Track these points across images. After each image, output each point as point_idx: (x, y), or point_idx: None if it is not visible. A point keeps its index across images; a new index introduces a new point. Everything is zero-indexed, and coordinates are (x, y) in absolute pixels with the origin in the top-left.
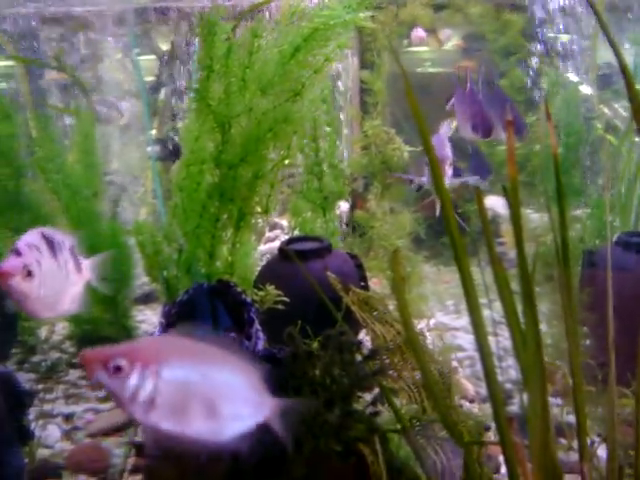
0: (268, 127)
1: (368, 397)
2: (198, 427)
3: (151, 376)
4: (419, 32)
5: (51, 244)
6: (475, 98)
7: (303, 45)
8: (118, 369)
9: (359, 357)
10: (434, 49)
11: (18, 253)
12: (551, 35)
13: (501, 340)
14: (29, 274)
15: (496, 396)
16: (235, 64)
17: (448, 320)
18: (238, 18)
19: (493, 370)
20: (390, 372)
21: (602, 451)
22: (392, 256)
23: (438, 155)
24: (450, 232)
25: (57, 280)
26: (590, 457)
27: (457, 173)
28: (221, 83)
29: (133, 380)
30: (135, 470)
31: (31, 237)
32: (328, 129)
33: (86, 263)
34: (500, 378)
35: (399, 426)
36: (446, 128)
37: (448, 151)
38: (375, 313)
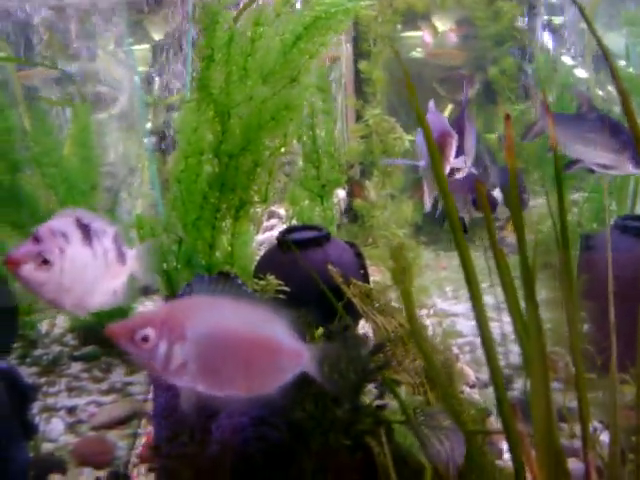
0: (270, 115)
1: (370, 387)
2: (235, 385)
3: (179, 340)
4: (426, 37)
5: (86, 231)
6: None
7: (304, 33)
8: (145, 339)
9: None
10: (428, 34)
11: (36, 239)
12: (544, 18)
13: (499, 325)
14: (45, 262)
15: (499, 384)
16: (237, 52)
17: (447, 306)
18: (241, 9)
19: (495, 358)
20: (393, 363)
21: (604, 436)
22: (395, 250)
23: (441, 133)
24: (450, 218)
25: (90, 270)
26: (593, 444)
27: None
28: (222, 72)
29: (162, 348)
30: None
31: (59, 222)
32: (325, 117)
33: (131, 253)
34: (503, 363)
35: (404, 417)
36: (432, 105)
37: (448, 127)
38: (377, 305)
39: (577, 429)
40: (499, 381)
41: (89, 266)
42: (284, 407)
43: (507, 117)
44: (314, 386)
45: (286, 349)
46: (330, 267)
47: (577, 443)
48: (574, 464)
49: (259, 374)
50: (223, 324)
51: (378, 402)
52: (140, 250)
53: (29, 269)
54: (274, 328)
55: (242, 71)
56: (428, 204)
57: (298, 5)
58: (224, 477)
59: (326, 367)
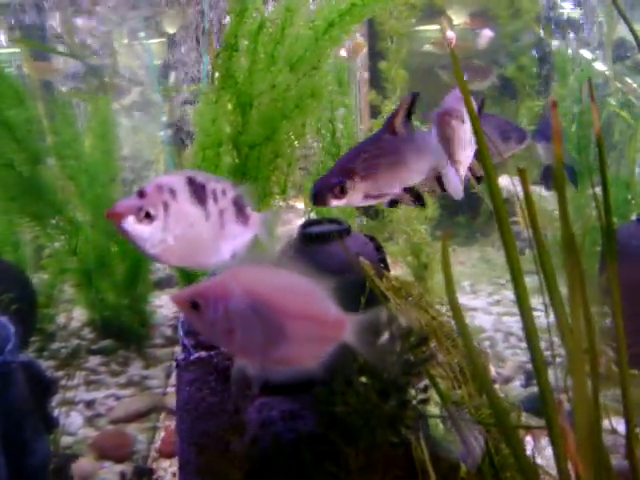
0: (294, 103)
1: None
2: (278, 355)
3: (228, 309)
4: (450, 34)
5: (198, 189)
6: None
7: (337, 21)
8: (196, 306)
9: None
10: (443, 28)
11: (142, 194)
12: (562, 11)
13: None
14: (147, 216)
15: (543, 379)
16: (266, 40)
17: (465, 301)
18: None
19: (539, 351)
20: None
21: None
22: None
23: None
24: (497, 211)
25: (200, 228)
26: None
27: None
28: (247, 60)
29: (209, 315)
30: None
31: (169, 179)
32: (345, 110)
33: (255, 216)
34: (524, 358)
35: (444, 412)
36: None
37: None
38: (410, 299)
39: (618, 426)
40: (543, 376)
41: (198, 224)
42: (326, 401)
43: (554, 104)
44: (357, 379)
45: (328, 319)
46: (362, 259)
47: (619, 439)
48: (616, 461)
49: (302, 344)
50: (268, 293)
51: (421, 396)
52: (267, 215)
53: (131, 223)
54: (316, 298)
55: (270, 59)
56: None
57: None
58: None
59: (367, 338)
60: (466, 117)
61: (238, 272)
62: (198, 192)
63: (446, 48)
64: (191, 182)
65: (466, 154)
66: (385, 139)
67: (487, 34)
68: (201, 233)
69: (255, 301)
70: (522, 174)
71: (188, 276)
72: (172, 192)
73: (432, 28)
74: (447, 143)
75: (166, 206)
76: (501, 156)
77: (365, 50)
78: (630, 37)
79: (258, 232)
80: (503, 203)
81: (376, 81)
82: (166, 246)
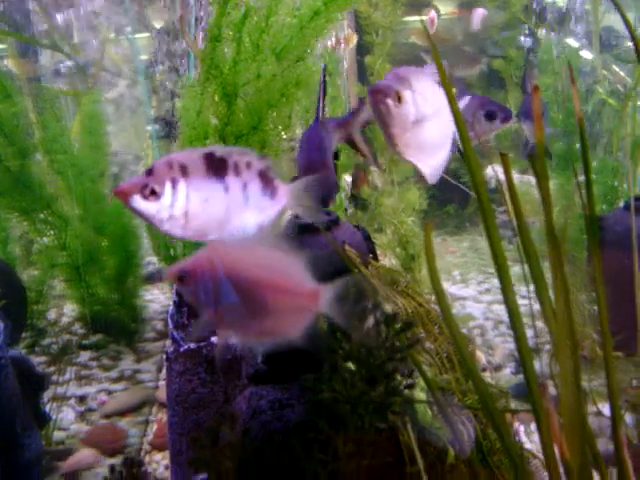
0: (280, 92)
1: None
2: (258, 326)
3: (209, 282)
4: (431, 14)
5: (218, 163)
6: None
7: (323, 9)
8: (182, 280)
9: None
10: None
11: (150, 172)
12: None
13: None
14: (153, 193)
15: (527, 363)
16: (250, 29)
17: (456, 290)
18: None
19: (524, 337)
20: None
21: (627, 417)
22: (425, 229)
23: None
24: (480, 200)
25: (217, 203)
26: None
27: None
28: (232, 50)
29: (196, 287)
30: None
31: (182, 155)
32: (333, 101)
33: (284, 188)
34: (514, 346)
35: (430, 397)
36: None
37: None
38: (395, 286)
39: (603, 409)
40: (528, 360)
41: (215, 198)
42: (313, 388)
43: (536, 89)
44: (343, 366)
45: (303, 290)
46: (348, 248)
47: (604, 422)
48: (601, 444)
49: (280, 314)
50: (247, 267)
51: (407, 382)
52: (297, 186)
53: (137, 200)
54: (291, 271)
55: (255, 48)
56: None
57: None
58: (260, 465)
59: (342, 306)
60: (412, 97)
61: (220, 248)
62: (216, 166)
63: (426, 38)
64: (209, 157)
65: (414, 137)
66: None
67: (480, 12)
68: (220, 207)
69: (235, 274)
70: (505, 160)
71: None
72: (183, 168)
73: (419, 19)
74: (381, 123)
75: (174, 182)
76: (484, 135)
77: (355, 42)
78: (618, 25)
79: (288, 204)
80: (486, 192)
81: (362, 74)
82: (177, 222)
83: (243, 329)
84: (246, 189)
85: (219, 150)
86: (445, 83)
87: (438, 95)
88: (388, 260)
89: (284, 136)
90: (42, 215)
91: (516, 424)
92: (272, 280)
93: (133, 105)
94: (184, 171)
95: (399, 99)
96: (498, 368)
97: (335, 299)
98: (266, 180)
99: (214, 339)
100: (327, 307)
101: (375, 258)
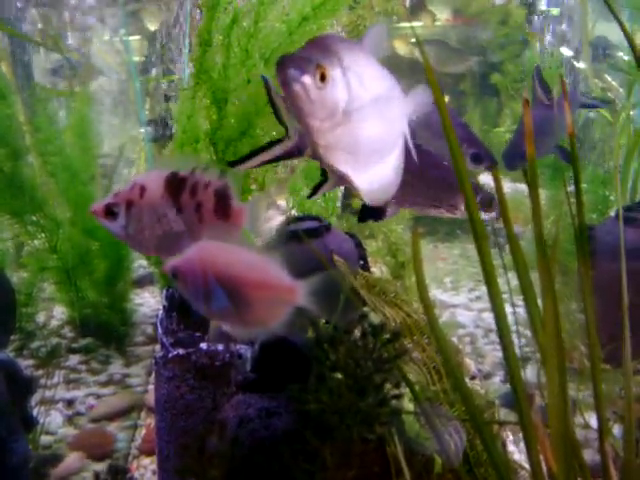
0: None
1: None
2: (242, 318)
3: (198, 278)
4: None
5: (178, 183)
6: None
7: (312, 15)
8: (175, 276)
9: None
10: (425, 25)
11: (115, 193)
12: (542, 9)
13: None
14: (112, 214)
15: (515, 374)
16: (239, 34)
17: (446, 297)
18: None
19: (512, 347)
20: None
21: (614, 429)
22: (412, 238)
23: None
24: (470, 213)
25: (171, 222)
26: (609, 434)
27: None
28: (222, 55)
29: (187, 282)
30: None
31: (146, 176)
32: None
33: (239, 209)
34: (498, 353)
35: (417, 408)
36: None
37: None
38: (383, 296)
39: (591, 421)
40: (516, 371)
41: (168, 218)
42: (299, 398)
43: (526, 102)
44: (330, 376)
45: (282, 285)
46: (336, 257)
47: (591, 434)
48: (588, 455)
49: (262, 307)
50: (230, 264)
51: (394, 392)
52: (249, 206)
53: (102, 220)
54: (270, 268)
55: (244, 53)
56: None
57: None
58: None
59: (323, 300)
60: (341, 76)
61: (207, 246)
62: (174, 187)
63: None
64: (171, 177)
65: (343, 135)
66: None
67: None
68: (172, 227)
69: (221, 271)
70: (495, 173)
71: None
72: (142, 189)
73: (415, 24)
74: (295, 112)
75: (129, 204)
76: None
77: None
78: (611, 35)
79: (244, 224)
80: (478, 210)
81: None
82: (134, 239)
83: (230, 320)
84: (200, 209)
85: (185, 169)
86: (442, 109)
87: (381, 77)
88: (378, 268)
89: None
90: (34, 218)
91: (505, 433)
92: (253, 275)
93: (119, 101)
94: (143, 192)
95: (322, 77)
96: (488, 376)
97: (312, 293)
98: (223, 200)
99: (203, 345)
100: (304, 301)
101: (366, 265)
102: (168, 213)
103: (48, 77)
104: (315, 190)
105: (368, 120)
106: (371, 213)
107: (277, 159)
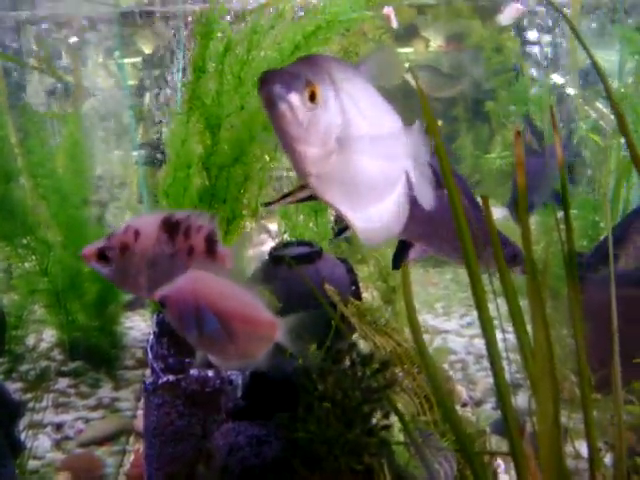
0: (262, 125)
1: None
2: (224, 350)
3: (183, 307)
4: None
5: (173, 227)
6: None
7: (303, 44)
8: (164, 305)
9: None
10: (418, 51)
11: (109, 236)
12: (533, 38)
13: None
14: (105, 258)
15: (506, 404)
16: (232, 61)
17: (438, 323)
18: (240, 16)
19: (503, 377)
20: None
21: (606, 458)
22: (402, 274)
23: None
24: (461, 237)
25: (165, 265)
26: (601, 465)
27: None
28: (215, 82)
29: (174, 312)
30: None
31: (141, 219)
32: None
33: (226, 252)
34: (490, 380)
35: (407, 438)
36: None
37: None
38: (374, 324)
39: (581, 449)
40: (507, 401)
41: (163, 262)
42: (286, 426)
43: (517, 134)
44: (319, 406)
45: (262, 320)
46: (327, 286)
47: (582, 463)
48: None
49: (242, 341)
50: (214, 298)
51: (383, 423)
52: (234, 250)
53: (94, 264)
54: (251, 304)
55: (237, 80)
56: None
57: (301, 12)
58: None
59: (302, 337)
60: (333, 96)
61: (194, 277)
62: (169, 230)
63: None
64: (166, 220)
65: (338, 165)
66: None
67: (515, 7)
68: (166, 270)
69: (207, 302)
70: (485, 201)
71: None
72: (137, 233)
73: (407, 50)
74: (281, 137)
75: (124, 248)
76: None
77: None
78: (602, 63)
79: (228, 266)
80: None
81: None
82: (126, 282)
83: (214, 350)
84: (193, 252)
85: (179, 214)
86: (441, 150)
87: (380, 106)
88: (370, 293)
89: (270, 168)
90: (24, 240)
91: (496, 462)
92: (236, 309)
93: (112, 123)
94: (137, 236)
95: (312, 97)
96: (479, 403)
97: (291, 331)
98: (211, 243)
99: (194, 372)
100: (283, 338)
101: (357, 290)
102: (162, 256)
103: (45, 98)
104: (336, 235)
105: (365, 151)
106: (395, 259)
107: (304, 200)
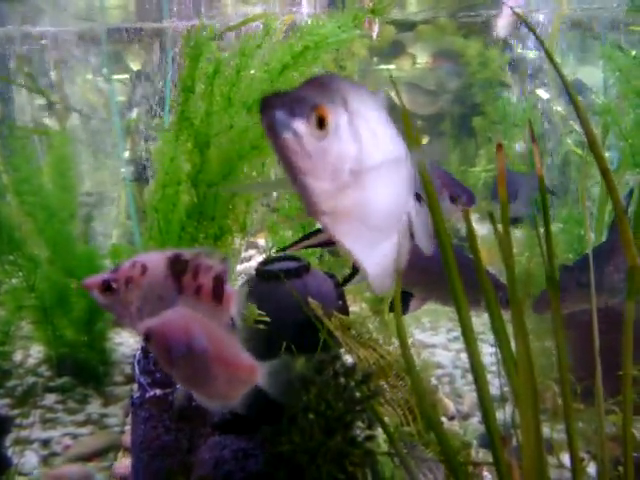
0: (251, 144)
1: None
2: (204, 389)
3: (169, 347)
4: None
5: (181, 265)
6: None
7: (291, 64)
8: (148, 339)
9: (352, 382)
10: (403, 68)
11: (114, 269)
12: (519, 52)
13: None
14: (109, 289)
15: (489, 416)
16: (221, 82)
17: (425, 337)
18: (224, 30)
19: (486, 389)
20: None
21: (591, 468)
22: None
23: None
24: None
25: (171, 302)
26: (583, 475)
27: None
28: (204, 102)
29: (157, 346)
30: None
31: (148, 256)
32: None
33: (231, 292)
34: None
35: (391, 449)
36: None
37: None
38: (358, 337)
39: (564, 459)
40: (490, 413)
41: (168, 298)
42: (271, 439)
43: (499, 147)
44: (302, 417)
45: (242, 364)
46: (311, 300)
47: (565, 474)
48: None
49: (222, 382)
50: (199, 335)
51: (367, 433)
52: (241, 292)
53: (97, 294)
54: (232, 347)
55: (226, 100)
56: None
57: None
58: None
59: (282, 382)
60: (346, 122)
61: (179, 315)
62: (177, 267)
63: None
64: (175, 258)
65: (353, 199)
66: None
67: (506, 13)
68: (171, 307)
69: (190, 340)
70: (466, 215)
71: None
72: (144, 268)
73: (392, 67)
74: (287, 167)
75: (129, 281)
76: (447, 215)
77: None
78: (587, 79)
79: (232, 310)
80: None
81: None
82: (130, 316)
83: (194, 387)
84: (200, 292)
85: (188, 253)
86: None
87: (392, 132)
88: (358, 305)
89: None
90: (11, 257)
91: (485, 473)
92: (218, 351)
93: (100, 140)
94: (144, 271)
95: (321, 123)
96: (466, 417)
97: (270, 375)
98: (218, 284)
99: (180, 386)
100: (263, 381)
101: (345, 305)
102: (169, 293)
103: (38, 114)
104: (345, 282)
105: (380, 185)
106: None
107: (320, 245)
